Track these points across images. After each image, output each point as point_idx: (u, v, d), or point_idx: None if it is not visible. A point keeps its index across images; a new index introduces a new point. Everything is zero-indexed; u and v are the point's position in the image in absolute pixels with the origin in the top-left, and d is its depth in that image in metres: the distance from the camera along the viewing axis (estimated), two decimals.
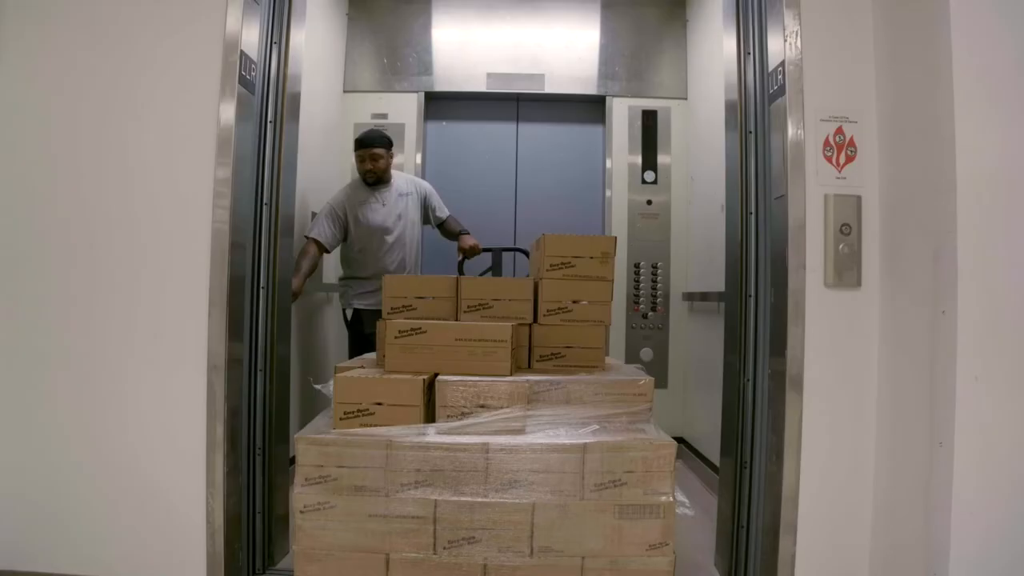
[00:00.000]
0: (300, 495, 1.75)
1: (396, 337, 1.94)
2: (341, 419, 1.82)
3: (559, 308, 2.13)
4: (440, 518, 1.73)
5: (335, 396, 1.85)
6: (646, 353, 3.92)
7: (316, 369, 3.55)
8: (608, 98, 4.02)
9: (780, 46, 1.96)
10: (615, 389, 1.94)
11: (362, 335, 3.31)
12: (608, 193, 4.02)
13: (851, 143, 1.92)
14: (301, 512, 1.74)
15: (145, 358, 1.96)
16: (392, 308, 2.14)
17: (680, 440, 3.83)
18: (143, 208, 1.97)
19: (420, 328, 1.94)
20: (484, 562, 1.73)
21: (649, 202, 3.98)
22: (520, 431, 1.83)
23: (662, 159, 4.00)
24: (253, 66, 2.06)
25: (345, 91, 4.01)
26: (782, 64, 1.95)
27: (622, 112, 4.01)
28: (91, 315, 1.97)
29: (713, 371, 3.38)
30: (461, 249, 3.45)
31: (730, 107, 2.30)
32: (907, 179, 1.80)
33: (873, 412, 1.89)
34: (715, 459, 3.37)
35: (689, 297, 3.84)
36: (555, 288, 2.12)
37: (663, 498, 1.75)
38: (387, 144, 3.30)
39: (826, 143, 1.92)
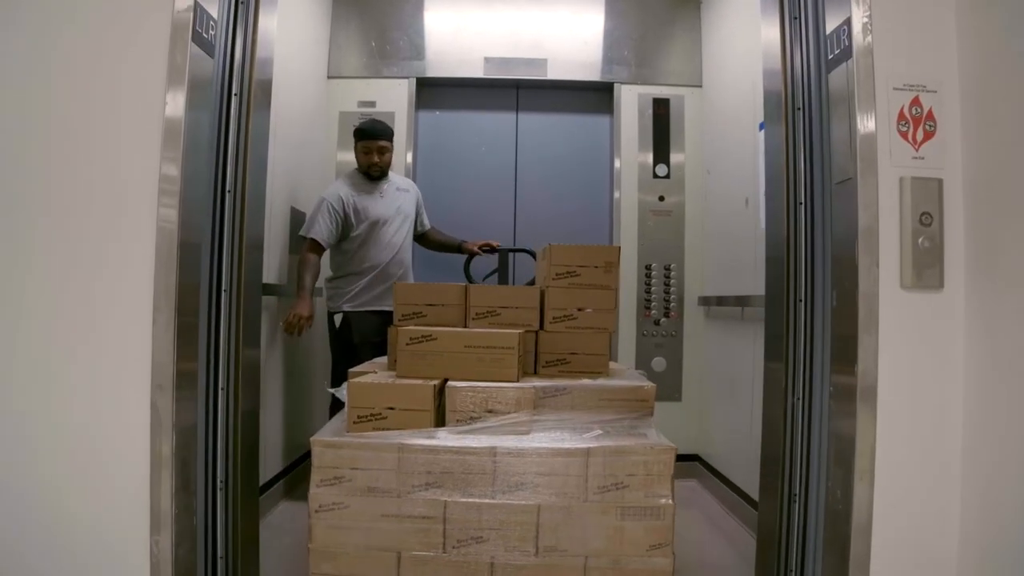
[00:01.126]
0: (315, 495, 1.81)
1: (407, 344, 2.01)
2: (355, 423, 1.90)
3: (565, 316, 2.19)
4: (449, 518, 1.79)
5: (349, 401, 1.91)
6: (658, 363, 3.60)
7: (301, 381, 3.22)
8: (616, 85, 3.70)
9: (843, 2, 1.65)
10: (618, 395, 2.02)
11: (350, 346, 3.02)
12: (616, 193, 3.69)
13: (929, 116, 1.61)
14: (316, 512, 1.80)
15: (83, 377, 1.60)
16: (403, 315, 2.22)
17: (696, 458, 3.52)
18: (66, 187, 1.61)
19: (431, 335, 2.01)
20: (491, 561, 1.79)
21: (661, 198, 3.66)
22: (526, 435, 1.89)
23: (675, 151, 3.68)
24: (212, 23, 1.72)
25: (329, 77, 3.68)
26: (846, 23, 1.64)
27: (631, 100, 3.70)
28: (14, 327, 1.61)
29: (734, 383, 3.07)
30: (472, 249, 3.31)
31: (771, 82, 1.99)
32: (1005, 159, 1.49)
33: (959, 436, 1.58)
34: (736, 479, 3.06)
35: (705, 302, 3.53)
36: (561, 296, 2.18)
37: (663, 500, 1.80)
38: (392, 136, 3.19)
39: (900, 116, 1.60)
